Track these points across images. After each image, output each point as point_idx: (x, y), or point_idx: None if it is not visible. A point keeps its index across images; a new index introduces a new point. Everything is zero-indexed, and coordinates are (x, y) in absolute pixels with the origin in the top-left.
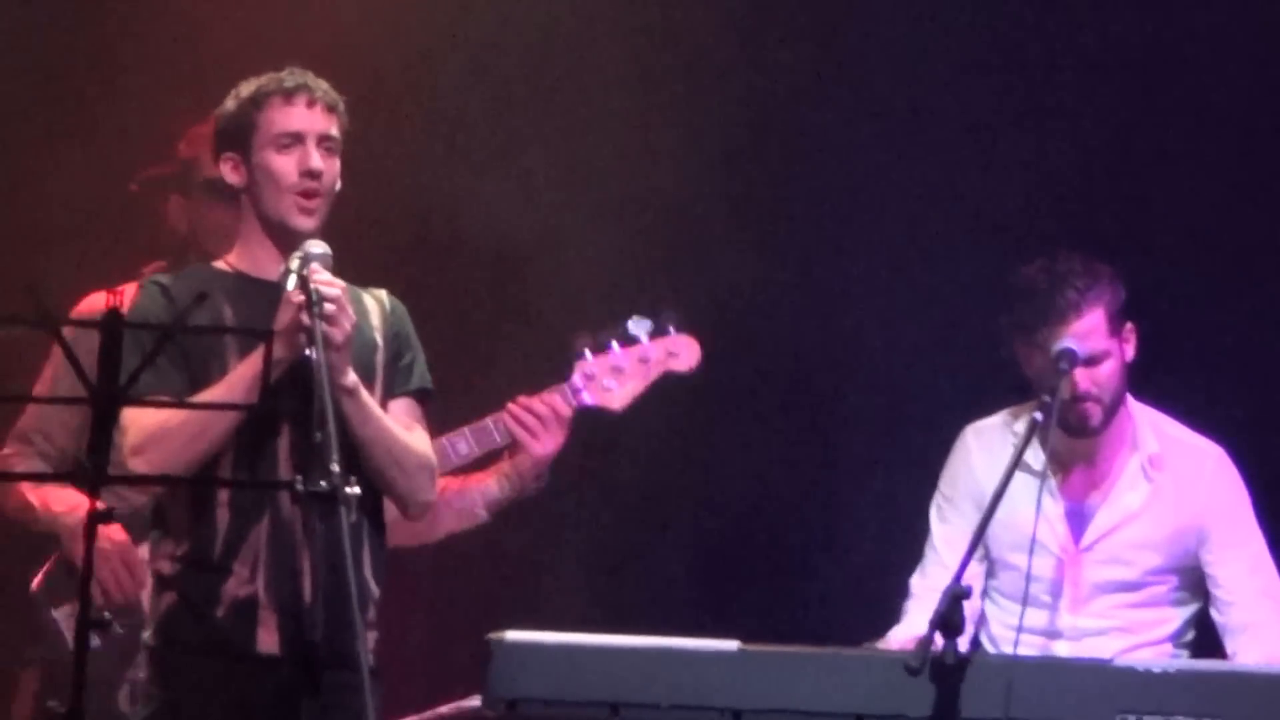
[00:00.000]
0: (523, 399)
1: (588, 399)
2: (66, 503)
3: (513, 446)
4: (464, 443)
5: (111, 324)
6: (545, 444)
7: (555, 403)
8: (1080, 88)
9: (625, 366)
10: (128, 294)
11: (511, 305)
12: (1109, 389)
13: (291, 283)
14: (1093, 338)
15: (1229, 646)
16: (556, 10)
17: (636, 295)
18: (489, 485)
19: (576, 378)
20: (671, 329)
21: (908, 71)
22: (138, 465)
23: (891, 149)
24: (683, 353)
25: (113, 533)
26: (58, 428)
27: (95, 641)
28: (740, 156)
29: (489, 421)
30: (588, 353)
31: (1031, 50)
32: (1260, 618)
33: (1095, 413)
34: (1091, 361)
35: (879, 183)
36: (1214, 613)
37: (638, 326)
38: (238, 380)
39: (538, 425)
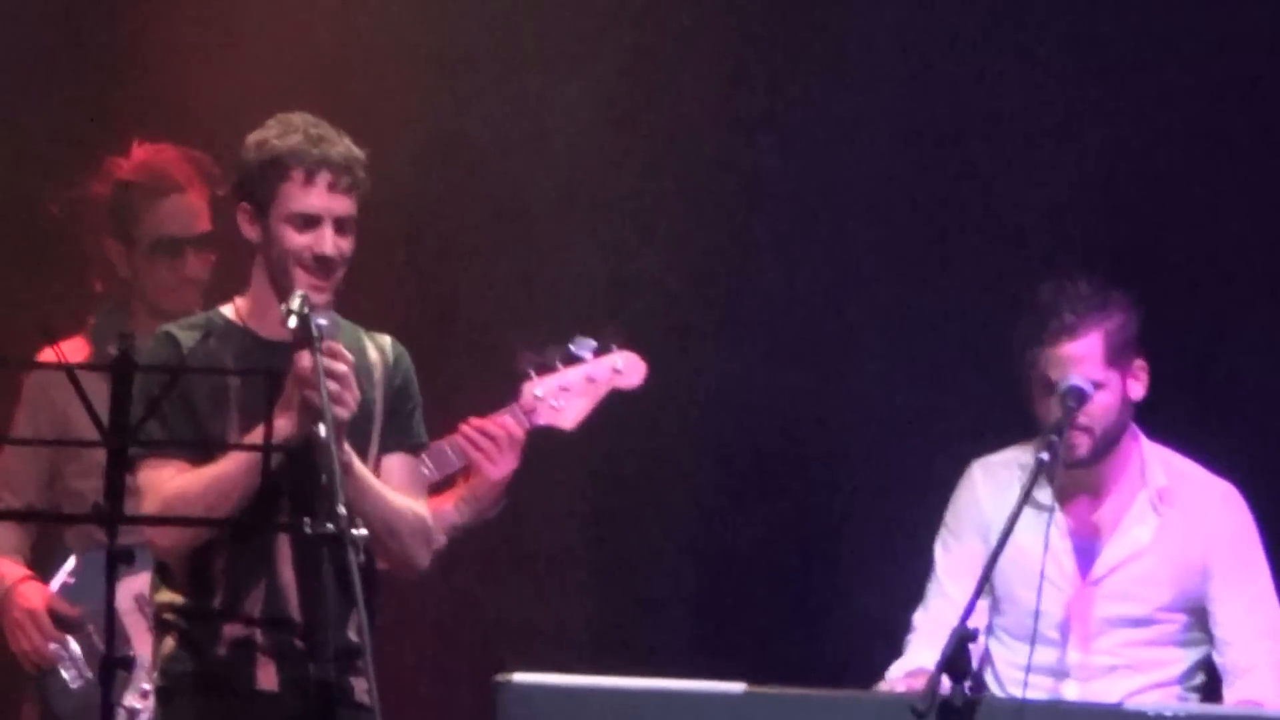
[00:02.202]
0: (475, 421)
1: (539, 419)
2: (11, 573)
3: (468, 470)
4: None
5: (123, 368)
6: (501, 466)
7: (508, 424)
8: (1090, 123)
9: (572, 385)
10: (72, 347)
11: (458, 324)
12: (1099, 420)
13: (293, 322)
14: (1085, 364)
15: (1225, 690)
16: (535, 35)
17: (598, 321)
18: (447, 511)
19: (526, 398)
20: (614, 347)
21: (911, 90)
22: (154, 538)
23: (899, 177)
24: (627, 369)
25: (27, 599)
26: (24, 479)
27: (77, 680)
28: (737, 178)
29: (444, 445)
30: (533, 373)
31: (1039, 81)
32: (1255, 660)
33: (1083, 443)
34: None
35: (882, 211)
36: (1214, 654)
37: (581, 346)
38: (243, 457)
39: (492, 447)
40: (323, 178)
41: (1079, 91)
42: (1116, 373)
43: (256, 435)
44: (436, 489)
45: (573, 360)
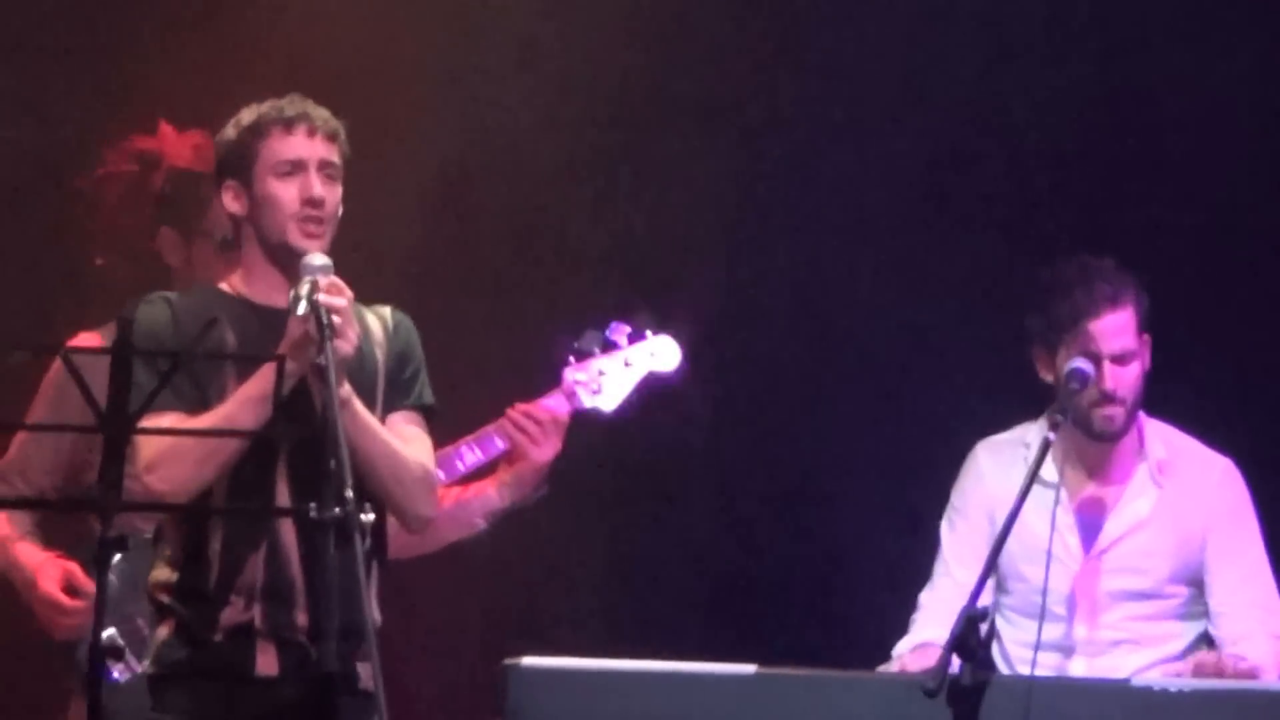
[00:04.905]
0: (521, 405)
1: (580, 403)
2: (31, 559)
3: (511, 455)
4: (469, 452)
5: (122, 352)
6: (545, 450)
7: (553, 408)
8: (1092, 93)
9: (610, 370)
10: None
11: (494, 312)
12: (1133, 391)
13: (301, 309)
14: (1124, 335)
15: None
16: (545, 21)
17: (630, 306)
18: (489, 494)
19: (567, 383)
20: (649, 332)
21: (912, 71)
22: (152, 481)
23: (898, 147)
24: (662, 353)
25: (45, 581)
26: (35, 467)
27: (117, 674)
28: (741, 160)
29: (490, 430)
30: (572, 359)
31: (1039, 55)
32: (1248, 630)
33: (1119, 415)
34: (1121, 360)
35: (878, 186)
36: (1209, 625)
37: (616, 332)
38: (245, 400)
39: (538, 431)
40: (301, 126)
41: (1068, 74)
42: (1140, 345)
43: (260, 378)
44: (479, 473)
45: (610, 346)
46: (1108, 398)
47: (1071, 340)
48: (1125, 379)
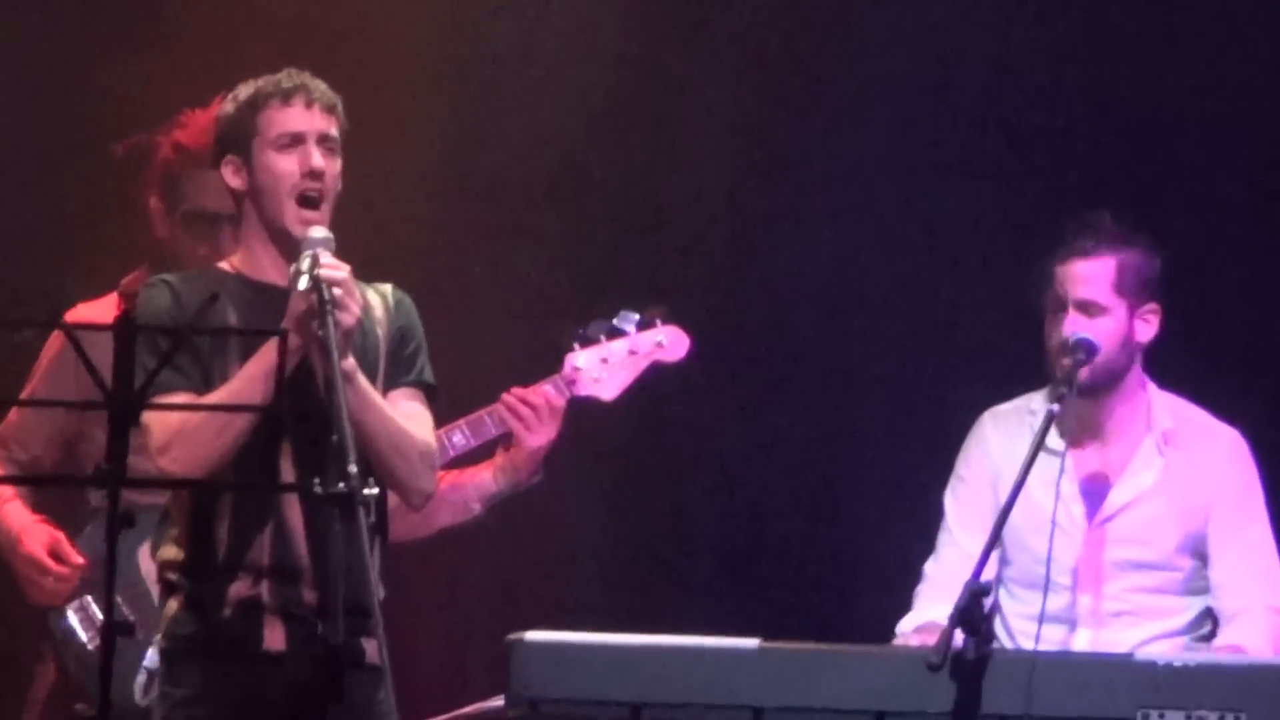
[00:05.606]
0: (517, 390)
1: (580, 390)
2: (18, 521)
3: (507, 440)
4: (459, 435)
5: (125, 328)
6: (540, 436)
7: (549, 394)
8: (1100, 76)
9: (614, 358)
10: (105, 305)
11: (502, 297)
12: (1099, 345)
13: (303, 283)
14: (1094, 285)
15: (1219, 635)
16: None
17: (635, 285)
18: (484, 479)
19: (567, 369)
20: (659, 321)
21: (914, 48)
22: (165, 463)
23: (904, 128)
24: (671, 343)
25: (30, 543)
26: (34, 435)
27: (95, 641)
28: (742, 136)
29: (484, 414)
30: (576, 345)
31: (1045, 33)
32: (1248, 604)
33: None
34: (1086, 309)
35: (883, 166)
36: (1211, 600)
37: (624, 320)
38: (251, 377)
39: (532, 417)
40: (299, 98)
41: (1078, 53)
42: (1125, 305)
43: (264, 354)
44: (475, 458)
45: (616, 333)
46: (1066, 345)
47: (1046, 283)
48: (1090, 331)
